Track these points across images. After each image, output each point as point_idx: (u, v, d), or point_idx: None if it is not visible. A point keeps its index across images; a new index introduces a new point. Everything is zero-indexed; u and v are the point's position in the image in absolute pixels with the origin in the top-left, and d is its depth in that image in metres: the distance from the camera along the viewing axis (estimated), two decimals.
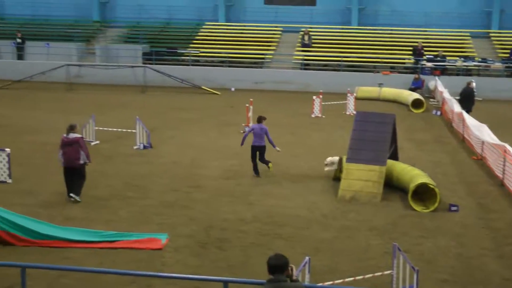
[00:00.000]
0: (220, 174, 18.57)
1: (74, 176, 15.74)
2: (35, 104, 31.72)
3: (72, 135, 15.75)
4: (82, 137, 16.28)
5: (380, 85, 36.76)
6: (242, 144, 19.13)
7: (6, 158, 17.08)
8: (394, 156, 18.14)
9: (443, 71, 38.78)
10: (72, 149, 15.59)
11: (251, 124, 19.97)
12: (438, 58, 39.20)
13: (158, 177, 18.09)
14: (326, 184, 17.66)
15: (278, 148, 18.99)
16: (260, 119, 18.90)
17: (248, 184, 17.56)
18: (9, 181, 17.15)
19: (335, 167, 18.28)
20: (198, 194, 16.52)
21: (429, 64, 39.07)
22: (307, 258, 9.58)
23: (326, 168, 18.55)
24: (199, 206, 15.48)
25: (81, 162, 15.71)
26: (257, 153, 18.55)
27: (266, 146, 18.64)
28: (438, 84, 35.35)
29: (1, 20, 49.24)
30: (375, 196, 16.06)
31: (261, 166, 18.56)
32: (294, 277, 7.48)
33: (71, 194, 15.61)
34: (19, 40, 43.55)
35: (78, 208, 15.06)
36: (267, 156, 18.74)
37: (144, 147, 21.67)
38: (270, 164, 18.82)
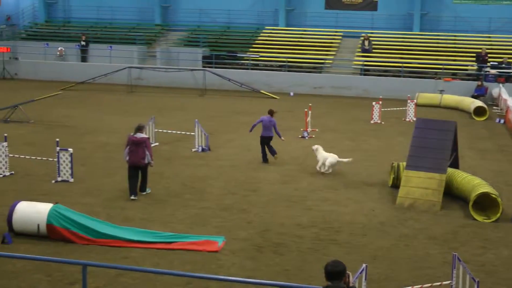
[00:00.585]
0: (278, 178, 18.57)
1: (138, 175, 16.38)
2: (97, 105, 32.28)
3: (140, 135, 16.31)
4: (148, 138, 16.92)
5: (442, 91, 36.28)
6: (250, 131, 21.27)
7: (69, 158, 17.40)
8: (455, 164, 17.86)
9: (507, 79, 38.01)
10: (138, 148, 16.17)
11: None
12: (503, 65, 38.45)
13: (215, 179, 18.19)
14: (384, 191, 17.49)
15: (283, 138, 20.86)
16: (270, 112, 20.74)
17: (306, 189, 17.52)
18: (71, 180, 17.47)
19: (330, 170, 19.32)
20: (256, 197, 16.55)
21: (493, 71, 38.33)
22: (364, 265, 9.50)
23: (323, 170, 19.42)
24: (256, 209, 15.50)
25: (146, 162, 16.32)
26: (265, 144, 20.46)
27: (273, 137, 20.40)
28: (502, 91, 34.66)
29: (67, 24, 50.34)
30: (434, 205, 15.83)
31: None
32: (351, 284, 7.44)
33: (133, 197, 16.13)
34: (83, 43, 44.44)
35: (137, 209, 15.25)
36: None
37: (203, 149, 21.83)
38: (276, 155, 20.41)
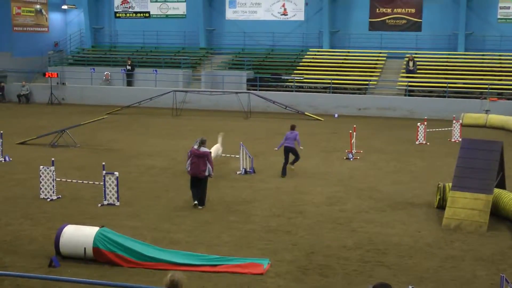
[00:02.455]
0: (323, 200, 18.54)
1: (199, 186, 17.63)
2: (143, 129, 32.67)
3: (203, 149, 17.51)
4: (210, 152, 17.95)
5: (487, 111, 35.90)
6: (278, 148, 23.07)
7: (115, 182, 17.61)
8: (501, 185, 17.62)
9: None
10: (200, 160, 17.41)
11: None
12: None
13: (260, 202, 18.23)
14: (430, 212, 17.34)
15: (301, 147, 22.53)
16: (292, 127, 22.61)
17: (351, 210, 17.46)
18: (117, 203, 17.67)
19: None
20: (301, 219, 16.54)
21: None
22: (410, 287, 9.42)
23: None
24: (302, 232, 15.49)
25: (206, 174, 17.54)
26: (289, 153, 22.06)
27: (294, 148, 22.10)
28: None
29: (113, 49, 51.20)
30: (481, 226, 15.64)
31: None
32: None
33: (197, 205, 17.53)
34: (128, 67, 45.13)
35: (183, 232, 15.36)
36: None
37: (246, 172, 21.89)
38: (292, 167, 22.19)
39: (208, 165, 17.54)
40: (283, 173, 21.91)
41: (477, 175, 16.46)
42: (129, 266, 12.91)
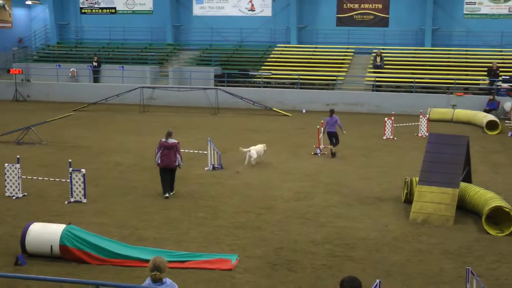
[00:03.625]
0: (292, 195, 18.56)
1: (169, 177, 18.30)
2: (110, 126, 32.44)
3: (171, 140, 18.11)
4: (179, 143, 18.43)
5: (454, 106, 36.24)
6: (323, 134, 25.04)
7: (82, 179, 17.45)
8: (468, 179, 17.80)
9: None
10: (171, 152, 18.07)
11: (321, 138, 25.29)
12: None
13: (229, 198, 18.20)
14: (397, 207, 17.45)
15: (344, 132, 24.86)
16: (331, 112, 24.74)
17: (319, 205, 17.50)
18: (84, 201, 17.51)
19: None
20: (269, 215, 16.54)
21: (505, 85, 38.28)
22: (378, 281, 9.46)
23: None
24: (270, 227, 15.49)
25: (176, 164, 18.23)
26: (332, 138, 24.60)
27: (337, 132, 24.57)
28: None
29: (79, 45, 50.78)
30: (447, 219, 15.77)
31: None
32: None
33: (167, 194, 18.15)
34: (95, 64, 44.77)
35: (151, 228, 15.28)
36: None
37: (214, 168, 21.84)
38: (335, 148, 24.64)
39: (178, 156, 18.16)
40: (332, 155, 24.59)
41: (444, 169, 16.60)
42: (96, 263, 12.81)
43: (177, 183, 19.54)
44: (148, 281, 8.32)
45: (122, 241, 13.70)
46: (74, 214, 16.32)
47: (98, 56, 45.61)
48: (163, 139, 18.14)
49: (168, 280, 8.30)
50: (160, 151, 18.06)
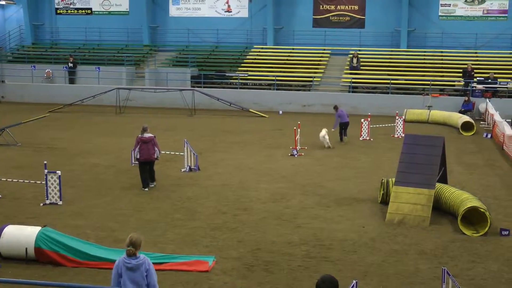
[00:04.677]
0: (268, 196, 18.56)
1: (148, 169, 19.18)
2: (86, 127, 32.25)
3: (147, 135, 18.97)
4: (155, 136, 19.31)
5: (430, 107, 36.50)
6: (334, 128, 28.28)
7: (57, 180, 17.32)
8: (443, 180, 17.92)
9: (494, 93, 38.29)
10: (149, 145, 18.93)
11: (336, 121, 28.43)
12: (489, 80, 38.72)
13: (206, 199, 18.16)
14: (374, 207, 17.51)
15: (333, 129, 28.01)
16: (336, 108, 28.72)
17: (296, 206, 17.51)
18: (60, 203, 17.38)
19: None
20: (246, 216, 16.53)
21: (480, 86, 38.60)
22: (354, 281, 9.49)
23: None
24: (247, 228, 15.47)
25: (155, 156, 19.14)
26: (344, 127, 28.25)
27: (349, 122, 28.29)
28: (488, 106, 34.92)
29: (54, 46, 50.44)
30: (424, 220, 15.86)
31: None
32: None
33: (147, 189, 19.02)
34: (70, 65, 44.52)
35: (127, 230, 15.15)
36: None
37: (190, 169, 21.79)
38: (347, 139, 28.43)
39: (156, 149, 19.10)
40: (341, 139, 28.35)
41: (420, 170, 16.69)
42: (72, 265, 12.71)
43: (155, 185, 19.51)
44: (123, 255, 8.96)
45: (98, 243, 13.60)
46: (50, 216, 16.19)
47: (73, 57, 45.35)
48: (140, 135, 18.98)
49: (141, 255, 8.93)
50: (138, 146, 18.88)
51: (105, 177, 20.96)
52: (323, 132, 27.03)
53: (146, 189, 18.96)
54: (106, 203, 17.67)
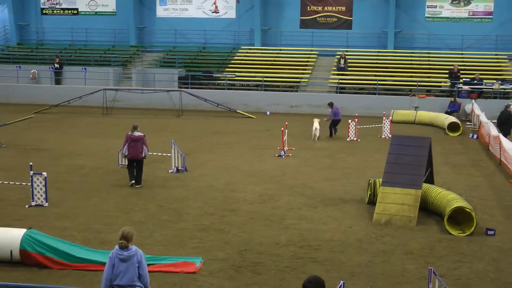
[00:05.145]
0: (256, 197, 18.55)
1: (136, 167, 19.54)
2: (72, 128, 32.13)
3: (137, 133, 19.42)
4: (144, 136, 19.67)
5: (416, 108, 36.62)
6: (327, 120, 29.97)
7: (43, 182, 17.22)
8: (430, 180, 17.97)
9: (479, 94, 38.46)
10: (138, 144, 19.34)
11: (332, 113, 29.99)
12: (475, 81, 38.89)
13: (193, 200, 18.12)
14: (361, 208, 17.54)
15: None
16: (331, 104, 30.27)
17: (283, 207, 17.51)
18: (46, 204, 17.28)
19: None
20: (233, 217, 16.51)
21: (466, 87, 38.77)
22: (342, 282, 9.49)
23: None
24: (234, 229, 15.46)
25: (143, 155, 19.49)
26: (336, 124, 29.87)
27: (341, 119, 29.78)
28: (474, 107, 35.07)
29: (40, 47, 50.21)
30: (410, 220, 15.90)
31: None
32: None
33: (135, 185, 19.43)
34: (57, 66, 44.33)
35: (114, 232, 15.11)
36: None
37: (178, 170, 21.74)
38: (336, 135, 29.82)
39: (145, 148, 19.47)
40: (330, 135, 29.81)
41: (407, 170, 16.73)
42: (58, 268, 12.64)
43: (141, 186, 19.47)
44: (116, 248, 9.45)
45: (85, 245, 13.54)
46: (35, 218, 16.09)
47: (60, 58, 45.16)
48: (130, 133, 19.40)
49: (133, 247, 9.44)
50: (127, 144, 19.30)
51: (92, 178, 20.88)
52: (316, 124, 28.88)
53: (133, 181, 19.53)
54: (92, 204, 17.60)
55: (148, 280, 9.62)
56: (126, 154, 19.47)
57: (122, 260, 9.34)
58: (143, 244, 14.21)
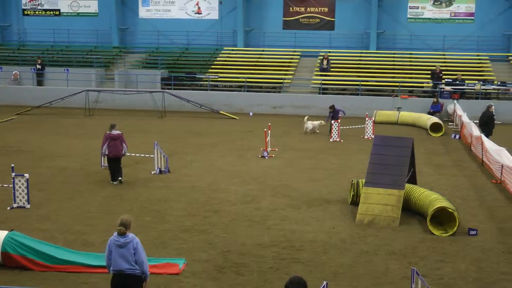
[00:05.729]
0: (239, 198, 18.53)
1: (116, 165, 19.97)
2: (54, 129, 31.96)
3: (115, 132, 19.77)
4: (122, 133, 20.03)
5: (399, 109, 36.77)
6: (326, 121, 31.36)
7: (25, 184, 17.11)
8: (413, 180, 18.02)
9: (461, 95, 38.68)
10: (117, 142, 19.69)
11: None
12: (457, 82, 39.10)
13: (176, 201, 18.08)
14: (344, 209, 17.56)
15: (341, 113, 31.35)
16: (332, 107, 31.12)
17: (267, 208, 17.50)
18: (28, 206, 17.18)
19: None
20: (216, 218, 16.48)
21: (448, 88, 38.97)
22: (325, 282, 9.50)
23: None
24: (217, 230, 15.43)
25: (123, 152, 19.84)
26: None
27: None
28: (456, 107, 35.24)
29: (22, 47, 49.89)
30: (393, 220, 15.94)
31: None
32: None
33: (119, 179, 19.93)
34: (39, 67, 44.08)
35: (96, 233, 15.07)
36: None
37: (161, 171, 21.68)
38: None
39: (124, 145, 19.81)
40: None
41: (389, 171, 16.77)
42: (40, 270, 12.56)
43: (123, 187, 19.43)
44: (114, 234, 9.87)
45: (67, 247, 13.46)
46: (17, 220, 15.98)
47: (42, 59, 44.92)
48: (108, 132, 19.79)
49: (130, 234, 9.86)
50: (107, 142, 19.63)
51: (74, 179, 20.77)
52: (308, 124, 31.05)
53: (115, 183, 19.87)
54: (74, 206, 17.51)
55: (146, 267, 9.93)
56: (107, 153, 19.78)
57: (119, 246, 9.75)
58: None
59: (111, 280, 9.94)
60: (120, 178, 20.03)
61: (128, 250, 9.76)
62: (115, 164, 19.99)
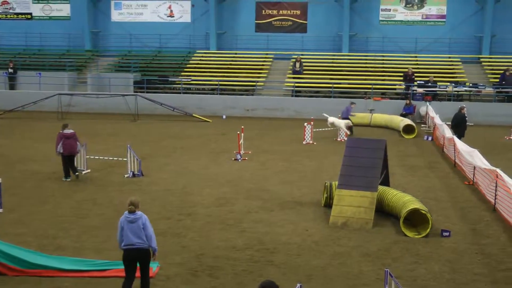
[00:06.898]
0: (212, 201, 18.53)
1: (70, 162, 20.86)
2: (27, 133, 31.73)
3: (68, 131, 20.61)
4: (75, 133, 20.90)
5: (371, 111, 36.95)
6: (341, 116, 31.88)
7: None
8: (386, 182, 18.15)
9: (434, 97, 38.99)
10: (71, 141, 20.59)
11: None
12: (429, 84, 39.41)
13: (150, 205, 18.01)
14: (318, 211, 17.63)
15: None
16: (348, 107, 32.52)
17: (240, 211, 17.52)
18: (0, 210, 17.04)
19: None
20: (190, 221, 16.47)
21: (420, 90, 39.27)
22: (299, 285, 9.53)
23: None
24: (191, 234, 15.42)
25: (77, 150, 20.91)
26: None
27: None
28: (429, 109, 35.53)
29: None
30: (367, 222, 16.03)
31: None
32: None
33: (76, 174, 20.87)
34: (10, 70, 43.70)
35: (70, 237, 14.99)
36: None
37: (134, 175, 21.61)
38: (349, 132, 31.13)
39: (78, 143, 20.90)
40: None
41: (362, 173, 16.86)
42: (13, 274, 12.46)
43: (96, 191, 19.32)
44: (125, 213, 11.08)
45: (40, 251, 13.38)
46: None
47: (14, 63, 44.56)
48: (61, 131, 20.61)
49: (139, 212, 11.07)
50: (62, 141, 20.46)
51: (47, 183, 20.65)
52: (337, 120, 31.05)
53: (68, 179, 20.80)
54: (48, 210, 17.40)
55: (154, 240, 11.15)
56: (61, 151, 20.51)
57: (130, 221, 10.93)
58: (99, 249, 14.13)
59: (122, 255, 11.10)
60: (77, 173, 20.92)
61: (137, 226, 10.92)
62: (68, 161, 20.81)
